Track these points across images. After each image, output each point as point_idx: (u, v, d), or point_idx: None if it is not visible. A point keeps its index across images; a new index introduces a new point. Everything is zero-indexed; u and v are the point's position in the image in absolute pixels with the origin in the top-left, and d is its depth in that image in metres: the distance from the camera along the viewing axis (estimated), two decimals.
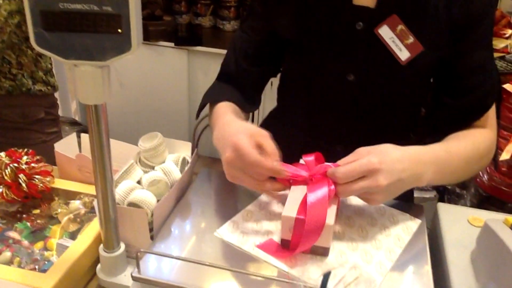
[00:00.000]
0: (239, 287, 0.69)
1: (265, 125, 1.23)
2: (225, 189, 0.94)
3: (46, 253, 0.86)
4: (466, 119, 0.94)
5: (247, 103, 1.03)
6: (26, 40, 1.48)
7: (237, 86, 1.03)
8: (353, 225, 0.83)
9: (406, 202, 0.91)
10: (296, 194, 0.77)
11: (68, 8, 0.58)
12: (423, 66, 0.91)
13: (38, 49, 0.61)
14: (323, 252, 0.76)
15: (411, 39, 0.86)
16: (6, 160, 0.93)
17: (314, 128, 1.05)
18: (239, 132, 0.78)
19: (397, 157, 0.76)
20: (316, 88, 1.00)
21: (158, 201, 0.83)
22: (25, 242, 0.87)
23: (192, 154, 0.97)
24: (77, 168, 0.99)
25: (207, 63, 2.63)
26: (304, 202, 0.75)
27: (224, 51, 1.08)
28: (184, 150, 0.99)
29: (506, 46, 2.40)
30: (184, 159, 0.95)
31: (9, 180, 0.92)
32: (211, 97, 1.01)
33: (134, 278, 0.72)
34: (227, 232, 0.81)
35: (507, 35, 2.41)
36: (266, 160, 0.75)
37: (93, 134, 0.68)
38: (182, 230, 0.82)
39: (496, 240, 0.69)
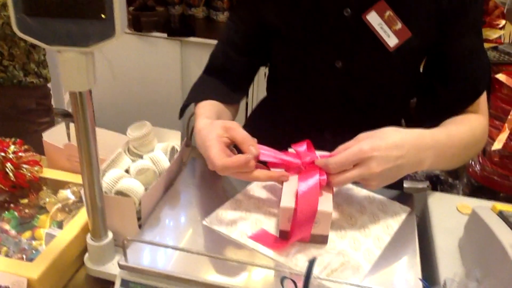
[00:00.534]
0: (226, 274, 0.69)
1: (255, 114, 1.23)
2: (215, 178, 0.94)
3: (34, 243, 0.85)
4: (458, 106, 0.93)
5: (235, 94, 1.03)
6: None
7: (224, 77, 1.02)
8: (342, 213, 0.83)
9: (396, 190, 0.91)
10: (291, 184, 0.77)
11: None
12: (411, 52, 0.91)
13: (20, 34, 0.60)
14: (322, 240, 0.75)
15: (399, 25, 0.86)
16: None
17: (303, 116, 1.05)
18: (208, 143, 0.78)
19: (395, 142, 0.75)
20: (305, 75, 1.00)
21: (146, 189, 0.83)
22: (13, 232, 0.86)
23: (181, 143, 0.96)
24: (66, 158, 0.98)
25: (200, 54, 2.61)
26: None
27: None
28: (173, 139, 0.98)
29: (500, 37, 2.40)
30: (173, 148, 0.94)
31: None
32: (194, 98, 1.00)
33: (121, 266, 0.71)
34: (216, 220, 0.81)
35: (500, 26, 2.40)
36: (237, 158, 0.76)
37: (79, 121, 0.68)
38: (170, 219, 0.82)
39: (483, 226, 0.69)
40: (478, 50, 0.92)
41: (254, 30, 1.00)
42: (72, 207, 0.91)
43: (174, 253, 0.73)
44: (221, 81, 1.03)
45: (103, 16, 0.58)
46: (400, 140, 0.76)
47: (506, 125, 1.71)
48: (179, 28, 2.67)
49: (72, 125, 1.02)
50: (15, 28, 0.59)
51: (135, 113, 2.89)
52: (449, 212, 0.86)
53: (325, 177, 0.75)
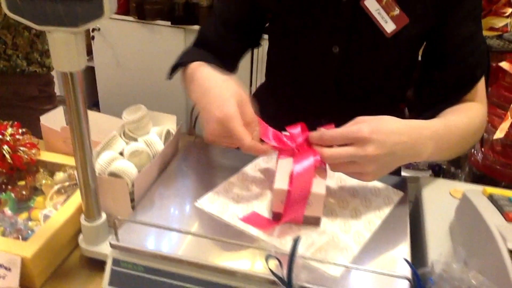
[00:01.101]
0: (215, 254, 0.70)
1: (253, 98, 1.24)
2: (209, 161, 0.95)
3: (30, 223, 0.86)
4: (455, 93, 0.93)
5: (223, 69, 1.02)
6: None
7: (214, 53, 1.01)
8: (334, 196, 0.84)
9: (390, 175, 0.91)
10: (284, 166, 0.77)
11: None
12: (408, 38, 0.90)
13: (10, 15, 0.61)
14: (315, 222, 0.76)
15: (397, 11, 0.85)
16: None
17: (300, 102, 1.05)
18: (225, 103, 0.75)
19: (394, 129, 0.74)
20: (302, 61, 1.00)
21: (139, 172, 0.84)
22: (9, 212, 0.87)
23: (176, 127, 0.97)
24: (62, 140, 0.99)
25: None
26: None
27: None
28: (169, 123, 0.99)
29: (506, 25, 2.37)
30: (168, 131, 0.95)
31: None
32: (186, 58, 0.96)
33: (112, 246, 0.72)
34: (208, 202, 0.81)
35: (507, 14, 2.38)
36: (247, 136, 0.74)
37: (70, 102, 0.68)
38: (163, 200, 0.82)
39: (472, 209, 0.69)
40: (475, 36, 0.92)
41: (247, 11, 1.00)
42: (68, 189, 0.92)
43: (165, 233, 0.74)
44: (212, 54, 1.01)
45: None
46: (399, 129, 0.75)
47: (508, 113, 1.69)
48: (183, 16, 2.66)
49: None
50: (5, 8, 0.60)
51: (139, 101, 2.90)
52: (442, 196, 0.86)
53: (318, 157, 0.75)
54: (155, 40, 2.69)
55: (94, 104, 3.04)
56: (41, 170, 0.96)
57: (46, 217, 0.85)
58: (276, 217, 0.76)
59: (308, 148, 0.78)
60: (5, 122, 0.97)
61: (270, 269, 0.61)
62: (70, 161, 0.98)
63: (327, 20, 0.91)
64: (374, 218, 0.79)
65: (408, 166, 2.42)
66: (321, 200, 0.73)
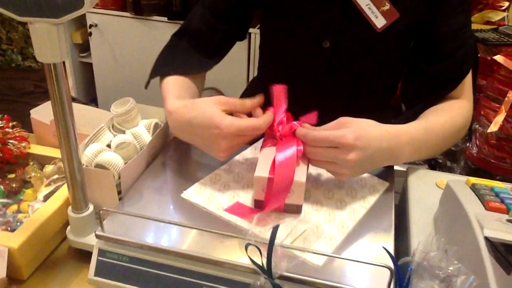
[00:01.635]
0: (199, 244, 0.71)
1: (246, 92, 1.24)
2: (197, 153, 0.95)
3: (19, 215, 0.87)
4: (442, 88, 0.93)
5: (208, 61, 1.01)
6: None
7: (199, 42, 1.00)
8: (319, 187, 0.84)
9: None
10: (266, 155, 0.78)
11: None
12: (398, 32, 0.90)
13: None
14: (296, 210, 0.76)
15: (387, 6, 0.86)
16: None
17: (292, 96, 1.05)
18: (215, 116, 0.75)
19: (376, 135, 0.75)
20: (293, 55, 1.00)
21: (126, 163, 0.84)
22: None
23: (165, 119, 0.97)
24: (52, 134, 1.00)
25: None
26: (275, 162, 0.76)
27: None
28: (158, 116, 0.99)
29: (503, 19, 2.37)
30: (156, 124, 0.96)
31: None
32: (161, 70, 0.98)
33: (98, 236, 0.73)
34: (194, 193, 0.82)
35: (503, 7, 2.38)
36: (256, 120, 0.77)
37: (54, 93, 0.69)
38: (150, 192, 0.83)
39: (454, 198, 0.69)
40: (463, 30, 0.91)
41: (237, 2, 1.00)
42: (57, 181, 0.93)
43: (150, 224, 0.74)
44: (194, 46, 1.00)
45: None
46: (380, 135, 0.76)
47: (503, 107, 1.69)
48: (180, 12, 2.66)
49: None
50: None
51: (136, 96, 2.90)
52: (427, 187, 0.86)
53: (301, 147, 0.76)
54: (152, 36, 2.68)
55: (92, 100, 3.05)
56: (31, 163, 0.97)
57: (34, 209, 0.86)
58: (258, 205, 0.77)
59: (292, 137, 0.78)
60: None
61: (250, 258, 0.61)
62: (59, 154, 0.98)
63: (318, 14, 0.92)
64: (359, 208, 0.79)
65: None
66: (302, 188, 0.74)
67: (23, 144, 0.97)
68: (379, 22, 0.87)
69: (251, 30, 2.37)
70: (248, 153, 0.93)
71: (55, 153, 0.99)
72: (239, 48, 2.46)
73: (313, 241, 0.70)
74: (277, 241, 0.60)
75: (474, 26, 2.17)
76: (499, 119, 1.69)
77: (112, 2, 2.67)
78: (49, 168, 0.94)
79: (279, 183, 0.72)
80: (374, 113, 0.82)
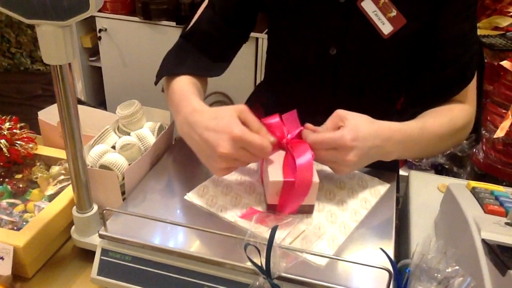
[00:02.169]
0: (202, 245, 0.72)
1: (252, 96, 1.25)
2: None
3: (25, 215, 0.89)
4: (446, 92, 0.93)
5: (216, 65, 1.01)
6: None
7: (206, 46, 0.99)
8: (321, 188, 0.84)
9: (379, 170, 0.91)
10: (274, 160, 0.79)
11: None
12: (405, 38, 0.90)
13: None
14: (308, 210, 0.78)
15: (394, 13, 0.86)
16: None
17: (298, 101, 1.05)
18: (231, 122, 0.73)
19: (370, 132, 0.77)
20: (299, 61, 1.00)
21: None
22: (4, 204, 0.89)
23: (170, 122, 0.99)
24: (59, 135, 1.01)
25: None
26: (286, 165, 0.77)
27: None
28: (163, 118, 1.01)
29: (511, 24, 2.36)
30: (161, 126, 0.97)
31: None
32: (170, 68, 0.97)
33: (101, 236, 0.74)
34: (197, 195, 0.83)
35: (511, 13, 2.37)
36: (265, 140, 0.74)
37: (60, 95, 0.70)
38: (154, 193, 0.84)
39: (454, 202, 0.69)
40: (468, 36, 0.91)
41: (246, 5, 1.00)
42: (63, 182, 0.94)
43: (153, 224, 0.75)
44: (202, 48, 0.99)
45: None
46: (374, 132, 0.78)
47: (509, 112, 1.69)
48: (188, 16, 2.68)
49: None
50: None
51: (144, 100, 2.93)
52: (429, 191, 0.86)
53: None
54: (161, 40, 2.71)
55: (100, 103, 3.08)
56: (38, 163, 0.98)
57: (40, 209, 0.87)
58: (271, 209, 0.77)
59: (302, 141, 0.79)
60: (4, 117, 0.99)
61: (249, 258, 0.62)
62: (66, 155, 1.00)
63: (324, 21, 0.92)
64: (360, 209, 0.80)
65: (411, 167, 2.42)
66: (316, 188, 0.75)
67: (30, 145, 0.99)
68: (386, 29, 0.87)
69: (258, 35, 2.38)
70: None
71: (61, 154, 1.01)
72: (246, 53, 2.47)
73: (313, 241, 0.71)
74: (276, 241, 0.60)
75: (482, 32, 2.16)
76: (505, 125, 1.69)
77: (122, 7, 2.70)
78: (55, 169, 0.95)
79: (300, 186, 0.73)
80: (380, 117, 0.83)
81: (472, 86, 0.94)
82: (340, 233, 0.74)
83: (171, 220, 0.72)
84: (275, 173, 0.76)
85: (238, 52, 1.08)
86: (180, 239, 0.74)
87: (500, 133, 1.67)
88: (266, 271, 0.61)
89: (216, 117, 0.75)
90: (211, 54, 1.00)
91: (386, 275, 0.62)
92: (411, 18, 0.87)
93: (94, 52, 2.98)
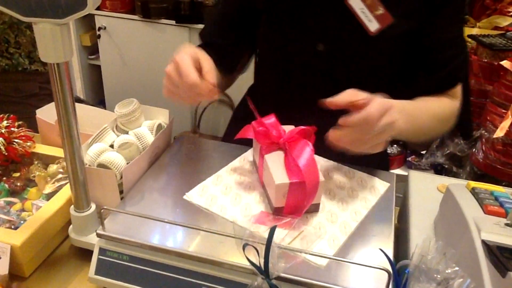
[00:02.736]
0: (200, 244, 0.71)
1: (244, 101, 1.25)
2: (200, 155, 0.96)
3: (22, 214, 0.88)
4: (438, 92, 0.95)
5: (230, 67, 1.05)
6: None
7: (216, 53, 0.99)
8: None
9: (378, 170, 0.91)
10: (274, 161, 0.78)
11: None
12: (395, 37, 0.91)
13: None
14: (314, 209, 0.78)
15: (381, 10, 0.86)
16: None
17: (287, 101, 1.05)
18: (184, 52, 0.81)
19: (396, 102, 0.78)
20: (288, 58, 1.00)
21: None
22: (2, 202, 0.89)
23: (168, 121, 0.98)
24: (57, 134, 1.00)
25: None
26: (288, 167, 0.76)
27: None
28: (162, 117, 1.00)
29: (511, 24, 2.35)
30: (159, 125, 0.96)
31: None
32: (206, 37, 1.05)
33: (98, 235, 0.74)
34: (196, 195, 0.82)
35: (511, 13, 2.36)
36: (194, 73, 0.78)
37: (57, 93, 0.70)
38: (152, 192, 0.84)
39: (453, 202, 0.69)
40: (459, 40, 0.94)
41: (243, 10, 1.02)
42: (61, 180, 0.94)
43: (151, 223, 0.75)
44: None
45: None
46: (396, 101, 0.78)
47: (509, 112, 1.68)
48: (188, 15, 2.68)
49: None
50: None
51: (144, 99, 2.92)
52: (428, 191, 0.86)
53: (312, 147, 0.77)
54: (160, 39, 2.70)
55: (100, 102, 3.07)
56: (35, 162, 0.98)
57: (37, 207, 0.87)
58: (278, 212, 0.76)
59: (299, 139, 0.78)
60: (1, 115, 0.99)
61: (247, 258, 0.61)
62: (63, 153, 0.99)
63: (312, 17, 0.92)
64: (360, 209, 0.80)
65: (410, 166, 2.41)
66: (322, 186, 0.75)
67: (28, 144, 0.99)
68: (373, 26, 0.87)
69: None
70: (249, 155, 0.94)
71: (59, 152, 1.00)
72: None
73: (312, 241, 0.70)
74: (275, 241, 0.60)
75: (482, 31, 2.16)
76: (505, 125, 1.68)
77: (121, 5, 2.69)
78: (53, 167, 0.95)
79: (308, 186, 0.72)
80: None
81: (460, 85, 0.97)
82: (340, 233, 0.74)
83: (169, 220, 0.72)
84: (280, 175, 0.75)
85: (245, 57, 1.12)
86: (178, 239, 0.73)
87: (499, 133, 1.67)
88: (264, 271, 0.60)
89: (182, 49, 0.82)
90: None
91: (385, 275, 0.62)
92: (403, 17, 0.87)
93: (93, 50, 2.98)
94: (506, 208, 0.63)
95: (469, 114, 0.98)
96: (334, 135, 0.74)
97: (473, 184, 0.73)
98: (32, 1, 0.60)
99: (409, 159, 2.45)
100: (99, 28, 2.77)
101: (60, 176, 0.94)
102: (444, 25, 0.90)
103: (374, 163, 0.92)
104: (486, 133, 1.82)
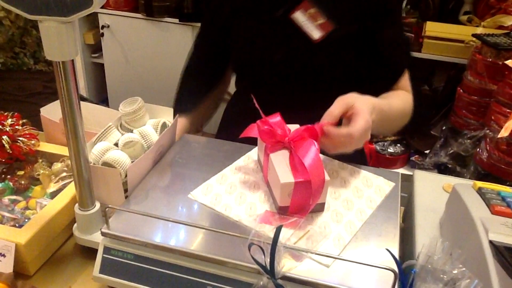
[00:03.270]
0: (205, 244, 0.71)
1: (228, 109, 1.29)
2: (204, 154, 0.95)
3: (27, 212, 0.88)
4: (384, 85, 1.06)
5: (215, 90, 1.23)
6: (31, 20, 1.51)
7: (201, 77, 1.18)
8: None
9: (383, 168, 0.91)
10: (280, 160, 0.78)
11: None
12: (336, 40, 1.00)
13: (3, 4, 0.62)
14: (320, 208, 0.77)
15: (321, 20, 0.97)
16: None
17: (263, 101, 1.08)
18: None
19: (374, 111, 0.85)
20: (251, 67, 1.11)
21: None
22: (6, 201, 0.89)
23: (173, 119, 0.98)
24: (61, 132, 1.01)
25: None
26: (293, 166, 0.76)
27: None
28: (166, 115, 1.00)
29: None
30: (164, 123, 0.96)
31: None
32: (181, 109, 1.13)
33: (103, 234, 0.74)
34: (201, 194, 0.82)
35: None
36: None
37: (62, 91, 0.69)
38: (156, 191, 0.83)
39: (460, 202, 0.68)
40: (397, 37, 1.05)
41: (219, 35, 1.13)
42: (65, 179, 0.94)
43: (156, 222, 0.75)
44: (201, 81, 1.18)
45: None
46: (373, 108, 0.85)
47: None
48: (191, 14, 2.67)
49: None
50: None
51: (147, 97, 2.92)
52: (434, 191, 0.85)
53: (317, 146, 0.76)
54: (163, 37, 2.70)
55: (103, 100, 3.07)
56: (40, 160, 0.98)
57: (42, 206, 0.87)
58: (283, 211, 0.76)
59: (305, 138, 0.78)
60: (6, 113, 0.99)
61: (253, 257, 0.61)
62: (68, 152, 0.99)
63: (265, 32, 1.04)
64: (365, 208, 0.79)
65: (413, 166, 2.41)
66: (327, 186, 0.75)
67: (32, 142, 0.99)
68: (316, 34, 0.98)
69: None
70: (253, 154, 0.93)
71: (64, 151, 1.00)
72: None
73: (317, 241, 0.70)
74: (281, 241, 0.60)
75: (486, 31, 2.16)
76: (509, 124, 1.68)
77: (124, 4, 2.69)
78: (57, 165, 0.95)
79: (314, 185, 0.72)
80: None
81: (406, 77, 1.07)
82: (346, 233, 0.74)
83: (174, 219, 0.72)
84: (285, 174, 0.75)
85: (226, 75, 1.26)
86: (183, 238, 0.73)
87: (504, 132, 1.66)
88: (270, 271, 0.60)
89: None
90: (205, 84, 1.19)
91: (391, 276, 0.62)
92: (342, 24, 0.98)
93: (96, 48, 2.98)
94: None
95: (421, 108, 1.12)
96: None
97: (480, 184, 0.73)
98: (41, 0, 0.60)
99: (413, 158, 2.45)
100: (102, 27, 2.77)
101: (64, 174, 0.94)
102: (381, 28, 1.00)
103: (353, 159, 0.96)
104: (490, 133, 1.82)
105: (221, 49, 1.15)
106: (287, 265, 0.62)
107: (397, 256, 0.67)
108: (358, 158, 1.06)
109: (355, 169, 0.89)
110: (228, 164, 0.90)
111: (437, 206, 0.81)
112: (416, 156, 2.46)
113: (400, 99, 1.03)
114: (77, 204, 0.80)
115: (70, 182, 0.91)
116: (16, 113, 1.00)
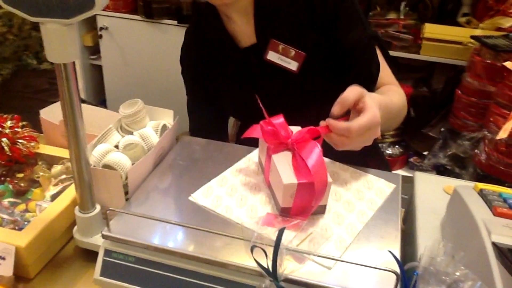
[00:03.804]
0: (205, 246, 0.71)
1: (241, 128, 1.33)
2: (205, 156, 0.95)
3: (26, 214, 0.88)
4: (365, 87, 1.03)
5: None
6: (31, 22, 1.52)
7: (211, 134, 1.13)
8: None
9: (383, 171, 0.91)
10: (282, 162, 0.78)
11: None
12: (315, 64, 1.02)
13: (5, 6, 0.62)
14: (321, 211, 0.77)
15: (292, 52, 1.00)
16: None
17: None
18: None
19: (380, 106, 0.82)
20: (247, 112, 1.11)
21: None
22: (6, 203, 0.89)
23: (173, 121, 0.98)
24: (61, 134, 1.00)
25: None
26: (296, 167, 0.75)
27: None
28: (166, 117, 1.00)
29: None
30: (164, 125, 0.96)
31: None
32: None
33: (104, 236, 0.73)
34: (201, 196, 0.82)
35: None
36: None
37: (63, 93, 0.69)
38: (157, 193, 0.83)
39: (462, 204, 0.68)
40: (361, 38, 1.03)
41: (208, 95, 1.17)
42: (65, 181, 0.93)
43: (156, 225, 0.74)
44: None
45: None
46: (379, 103, 0.83)
47: None
48: (190, 15, 2.67)
49: None
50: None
51: (146, 99, 2.92)
52: (434, 192, 0.86)
53: (320, 148, 0.76)
54: (162, 39, 2.70)
55: (101, 102, 3.06)
56: (39, 162, 0.98)
57: (41, 208, 0.86)
58: (285, 212, 0.76)
59: (308, 140, 0.78)
60: (5, 116, 0.99)
61: (256, 260, 0.61)
62: (68, 154, 0.99)
63: (247, 77, 1.08)
64: (366, 210, 0.79)
65: (412, 167, 2.41)
66: (330, 188, 0.74)
67: (32, 144, 0.98)
68: (293, 66, 1.01)
69: None
70: (253, 156, 0.93)
71: (64, 153, 1.00)
72: None
73: (320, 244, 0.70)
74: (283, 243, 0.60)
75: (485, 33, 2.16)
76: (508, 126, 1.68)
77: (123, 5, 2.69)
78: (57, 168, 0.95)
79: (317, 187, 0.72)
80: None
81: (387, 71, 1.08)
82: (347, 235, 0.74)
83: (175, 221, 0.72)
84: (288, 175, 0.74)
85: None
86: (184, 240, 0.73)
87: (503, 134, 1.67)
88: (272, 273, 0.60)
89: None
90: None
91: (392, 277, 0.62)
92: (311, 48, 1.00)
93: (95, 50, 2.97)
94: None
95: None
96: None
97: (481, 185, 0.73)
98: (41, 1, 0.60)
99: (411, 160, 2.45)
100: (101, 28, 2.76)
101: (64, 176, 0.93)
102: (342, 34, 1.00)
103: (374, 165, 0.94)
104: (489, 134, 1.82)
105: (216, 106, 1.19)
106: (289, 268, 0.61)
107: (398, 258, 0.67)
108: (379, 163, 1.06)
109: (356, 171, 0.89)
110: (229, 166, 0.90)
111: (438, 208, 0.81)
112: (415, 157, 2.46)
113: (397, 93, 1.03)
114: (77, 207, 0.80)
115: (70, 184, 0.91)
116: (15, 115, 1.00)
